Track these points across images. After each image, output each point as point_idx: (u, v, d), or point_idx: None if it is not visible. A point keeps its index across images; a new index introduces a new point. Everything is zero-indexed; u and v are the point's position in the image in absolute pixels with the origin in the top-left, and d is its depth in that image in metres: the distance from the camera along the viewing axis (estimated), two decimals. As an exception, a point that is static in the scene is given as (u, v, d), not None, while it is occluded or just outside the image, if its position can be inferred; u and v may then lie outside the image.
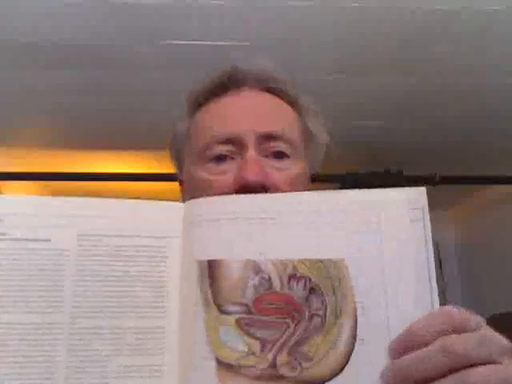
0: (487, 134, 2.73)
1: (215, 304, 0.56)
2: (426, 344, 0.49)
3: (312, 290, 0.55)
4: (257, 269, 0.55)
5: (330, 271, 0.55)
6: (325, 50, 1.84)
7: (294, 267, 0.55)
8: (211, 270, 0.57)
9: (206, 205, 0.60)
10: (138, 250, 0.59)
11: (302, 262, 0.55)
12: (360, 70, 2.15)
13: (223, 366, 0.54)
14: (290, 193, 0.61)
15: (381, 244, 0.56)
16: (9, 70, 1.94)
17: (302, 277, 0.55)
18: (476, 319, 0.46)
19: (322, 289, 0.55)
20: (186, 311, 0.57)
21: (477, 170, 2.73)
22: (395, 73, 2.15)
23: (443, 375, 0.48)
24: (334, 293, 0.55)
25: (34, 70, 1.95)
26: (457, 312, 0.49)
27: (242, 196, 0.60)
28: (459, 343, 0.48)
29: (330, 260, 0.55)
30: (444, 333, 0.49)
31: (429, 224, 0.56)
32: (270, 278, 0.55)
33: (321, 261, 0.55)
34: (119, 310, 0.57)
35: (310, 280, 0.55)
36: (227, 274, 0.56)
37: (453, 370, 0.47)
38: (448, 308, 0.50)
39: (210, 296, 0.56)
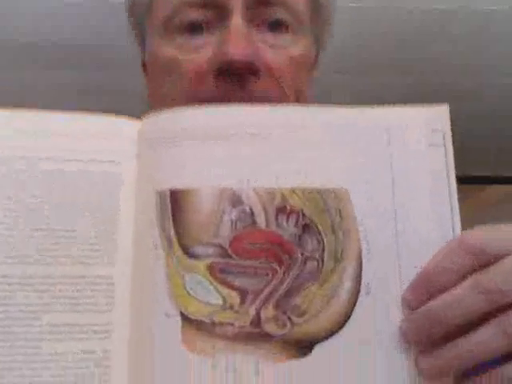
0: (485, 133, 2.71)
1: (180, 245, 0.42)
2: (449, 286, 0.39)
3: (306, 227, 0.42)
4: (235, 200, 0.42)
5: (329, 204, 0.42)
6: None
7: (284, 198, 0.42)
8: (175, 203, 0.42)
9: (168, 119, 0.45)
10: (81, 177, 0.43)
11: (293, 191, 0.42)
12: (357, 70, 2.14)
13: (191, 323, 0.40)
14: (281, 104, 0.46)
15: (391, 172, 0.43)
16: (9, 70, 1.97)
17: (293, 210, 0.42)
18: (499, 243, 0.37)
19: (319, 226, 0.42)
20: (141, 255, 0.43)
21: (476, 170, 2.72)
22: (392, 72, 2.17)
23: (479, 321, 0.38)
24: (333, 231, 0.42)
25: (34, 70, 1.98)
26: (479, 240, 0.38)
27: (217, 107, 0.44)
28: (494, 279, 0.38)
29: (329, 189, 0.42)
30: (469, 268, 0.39)
31: (451, 150, 0.44)
32: (252, 212, 0.41)
33: (318, 190, 0.42)
34: (52, 254, 0.42)
35: (303, 214, 0.41)
36: (196, 207, 0.42)
37: (488, 313, 0.37)
38: (466, 237, 0.39)
39: (173, 235, 0.42)
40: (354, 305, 0.42)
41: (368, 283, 0.42)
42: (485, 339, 0.36)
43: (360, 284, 0.42)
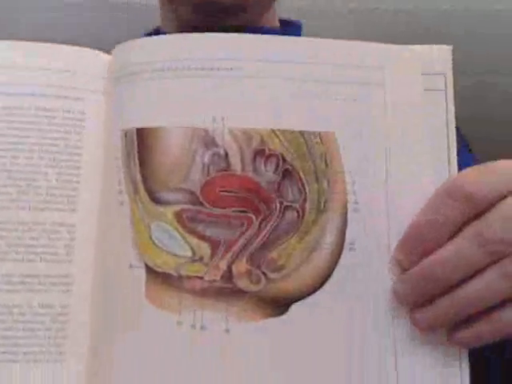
0: (486, 134, 2.65)
1: (146, 190, 0.37)
2: (444, 240, 0.35)
3: (286, 174, 0.37)
4: (208, 141, 0.37)
5: (314, 148, 0.37)
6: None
7: (263, 140, 0.37)
8: (142, 143, 0.37)
9: (137, 52, 0.39)
10: (40, 114, 0.38)
11: (273, 132, 0.37)
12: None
13: (156, 276, 0.36)
14: (261, 35, 0.40)
15: (384, 117, 0.37)
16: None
17: (272, 154, 0.37)
18: (495, 186, 0.34)
19: (301, 172, 0.37)
20: (105, 202, 0.38)
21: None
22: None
23: (480, 271, 0.34)
24: (316, 179, 0.37)
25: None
26: (472, 184, 0.34)
27: (190, 36, 0.39)
28: (494, 227, 0.34)
29: (313, 132, 0.37)
30: (464, 218, 0.35)
31: (451, 97, 0.39)
32: (226, 155, 0.36)
33: (301, 133, 0.37)
34: (8, 198, 0.37)
35: (283, 159, 0.37)
36: (165, 149, 0.37)
37: (491, 263, 0.34)
38: (457, 182, 0.35)
39: (138, 179, 0.37)
40: (337, 261, 0.37)
41: (353, 238, 0.37)
42: (484, 285, 0.33)
43: (344, 239, 0.38)
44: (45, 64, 0.40)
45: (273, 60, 0.39)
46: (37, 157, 0.39)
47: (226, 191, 0.37)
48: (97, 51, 0.41)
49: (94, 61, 0.41)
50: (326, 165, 0.38)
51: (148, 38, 0.40)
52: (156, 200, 0.38)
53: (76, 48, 0.41)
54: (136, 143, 0.38)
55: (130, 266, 0.37)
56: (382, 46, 0.40)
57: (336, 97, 0.39)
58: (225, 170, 0.37)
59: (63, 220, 0.39)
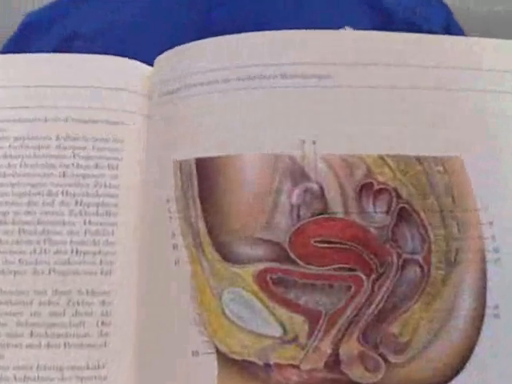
0: None
1: (213, 244, 0.25)
2: None
3: (403, 215, 0.26)
4: (296, 172, 0.25)
5: (436, 179, 0.26)
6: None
7: (369, 170, 0.25)
8: (204, 178, 0.26)
9: (191, 57, 0.28)
10: (64, 145, 0.27)
11: (382, 159, 0.25)
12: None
13: (232, 365, 0.24)
14: (359, 31, 0.29)
15: None
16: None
17: (383, 189, 0.25)
18: None
19: (422, 213, 0.26)
20: (151, 261, 0.26)
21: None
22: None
23: None
24: (442, 220, 0.25)
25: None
26: None
27: (266, 34, 0.28)
28: None
29: (434, 158, 0.26)
30: None
31: None
32: (322, 191, 0.25)
33: (418, 159, 0.25)
34: (18, 260, 0.25)
35: (398, 195, 0.25)
36: (237, 185, 0.25)
37: None
38: None
39: (202, 228, 0.25)
40: (478, 335, 0.25)
41: (496, 300, 0.26)
42: None
43: (485, 302, 0.27)
44: (68, 80, 0.29)
45: (376, 62, 0.28)
46: (59, 202, 0.27)
47: (324, 242, 0.26)
48: (135, 61, 0.29)
49: (132, 74, 0.29)
50: (454, 201, 0.27)
51: (204, 41, 0.29)
52: (228, 257, 0.26)
53: (108, 58, 0.29)
54: (196, 178, 0.27)
55: (194, 354, 0.25)
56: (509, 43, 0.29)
57: (458, 112, 0.28)
58: (321, 213, 0.26)
59: (95, 287, 0.27)
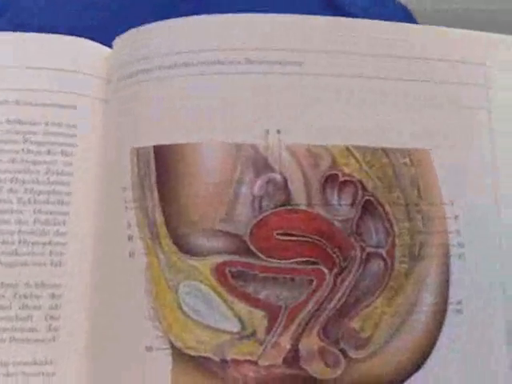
0: None
1: (170, 235, 0.24)
2: None
3: (367, 207, 0.25)
4: (259, 162, 0.24)
5: (402, 172, 0.25)
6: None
7: (334, 161, 0.24)
8: (163, 167, 0.24)
9: (151, 39, 0.26)
10: (15, 129, 0.25)
11: (348, 150, 0.24)
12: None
13: (187, 361, 0.23)
14: (331, 18, 0.28)
15: (489, 126, 0.28)
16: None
17: (348, 181, 0.25)
18: None
19: (387, 206, 0.25)
20: (104, 253, 0.24)
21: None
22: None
23: None
24: (407, 214, 0.25)
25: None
26: None
27: (229, 17, 0.26)
28: None
29: (400, 150, 0.25)
30: None
31: None
32: (285, 182, 0.24)
33: (384, 151, 0.25)
34: None
35: (363, 187, 0.24)
36: (196, 174, 0.24)
37: None
38: None
39: (159, 218, 0.24)
40: (439, 330, 0.25)
41: (459, 296, 0.25)
42: None
43: (447, 298, 0.27)
44: (19, 60, 0.27)
45: (346, 50, 0.27)
46: (7, 190, 0.25)
47: (285, 234, 0.25)
48: (92, 42, 0.28)
49: (89, 55, 0.28)
50: (420, 195, 0.26)
51: (167, 21, 0.27)
52: (185, 249, 0.24)
53: (62, 37, 0.27)
54: (154, 166, 0.25)
55: (148, 349, 0.24)
56: (484, 35, 0.29)
57: (429, 101, 0.27)
58: (284, 205, 0.25)
59: (44, 279, 0.25)
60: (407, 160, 0.27)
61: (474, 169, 0.28)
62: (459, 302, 0.26)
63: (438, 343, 0.26)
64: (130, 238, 0.26)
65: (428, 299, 0.26)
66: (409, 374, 0.25)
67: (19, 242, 0.25)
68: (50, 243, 0.26)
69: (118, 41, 0.29)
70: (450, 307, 0.26)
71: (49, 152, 0.27)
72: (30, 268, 0.25)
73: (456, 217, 0.27)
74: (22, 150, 0.26)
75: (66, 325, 0.25)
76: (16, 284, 0.25)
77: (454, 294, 0.26)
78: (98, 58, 0.28)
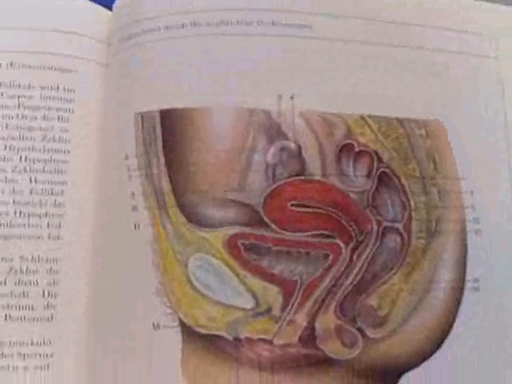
0: None
1: (178, 205, 0.22)
2: None
3: (383, 179, 0.23)
4: (272, 129, 0.22)
5: (418, 144, 0.23)
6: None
7: (349, 131, 0.23)
8: (170, 132, 0.23)
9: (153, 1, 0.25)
10: (9, 93, 0.23)
11: (363, 119, 0.23)
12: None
13: (198, 340, 0.21)
14: None
15: (501, 102, 0.28)
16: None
17: (363, 151, 0.23)
18: None
19: (403, 178, 0.23)
20: (108, 224, 0.22)
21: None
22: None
23: None
24: (424, 188, 0.23)
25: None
26: None
27: None
28: None
29: (416, 121, 0.23)
30: None
31: None
32: (299, 150, 0.22)
33: (400, 121, 0.23)
34: None
35: (379, 158, 0.23)
36: (206, 141, 0.22)
37: None
38: None
39: (166, 187, 0.22)
40: (457, 308, 0.24)
41: (476, 273, 0.24)
42: None
43: (464, 275, 0.26)
44: (13, 21, 0.25)
45: (360, 16, 0.25)
46: (0, 158, 0.23)
47: (300, 206, 0.23)
48: (93, 3, 0.26)
49: (89, 17, 0.26)
50: (435, 168, 0.25)
51: None
52: (195, 220, 0.23)
53: None
54: (160, 132, 0.23)
55: (156, 327, 0.22)
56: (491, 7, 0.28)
57: (444, 76, 0.26)
58: (297, 175, 0.23)
59: (41, 253, 0.23)
60: (423, 131, 0.26)
61: (488, 143, 0.27)
62: (476, 280, 0.25)
63: (456, 322, 0.25)
64: (135, 208, 0.24)
65: (445, 276, 0.25)
66: (428, 354, 0.24)
67: (14, 213, 0.23)
68: (46, 215, 0.24)
69: (119, 2, 0.27)
70: (468, 285, 0.25)
71: (44, 117, 0.25)
72: (26, 241, 0.23)
73: (471, 192, 0.26)
74: (17, 115, 0.24)
75: (64, 302, 0.23)
76: (11, 258, 0.23)
77: (471, 271, 0.25)
78: (99, 21, 0.26)
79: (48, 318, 0.23)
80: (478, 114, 0.27)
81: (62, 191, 0.24)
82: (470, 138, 0.26)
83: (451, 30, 0.27)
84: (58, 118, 0.25)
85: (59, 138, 0.25)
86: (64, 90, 0.25)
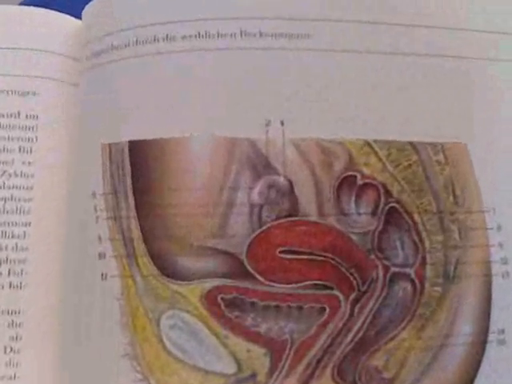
0: None
1: (150, 253, 0.17)
2: None
3: (392, 217, 0.19)
4: (259, 162, 0.17)
5: (435, 172, 0.18)
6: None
7: (352, 160, 0.18)
8: (139, 166, 0.18)
9: (125, 8, 0.20)
10: None
11: (369, 146, 0.18)
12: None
13: None
14: None
15: None
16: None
17: (369, 184, 0.18)
18: None
19: (416, 215, 0.18)
20: (70, 274, 0.18)
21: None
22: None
23: None
24: (441, 225, 0.18)
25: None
26: None
27: None
28: None
29: (433, 145, 0.18)
30: None
31: None
32: (291, 187, 0.17)
33: (413, 146, 0.18)
34: None
35: (387, 192, 0.18)
36: (182, 177, 0.17)
37: None
38: None
39: (135, 232, 0.17)
40: (478, 366, 0.21)
41: (502, 323, 0.20)
42: None
43: (488, 326, 0.21)
44: None
45: (366, 20, 0.20)
46: None
47: (291, 252, 0.19)
48: (59, 13, 0.21)
49: (53, 29, 0.21)
50: (456, 201, 0.20)
51: None
52: (168, 272, 0.19)
53: (19, 8, 0.21)
54: (129, 168, 0.19)
55: None
56: None
57: (467, 78, 0.21)
58: (288, 216, 0.19)
59: (1, 304, 0.19)
60: (441, 157, 0.21)
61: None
62: (502, 331, 0.21)
63: (476, 382, 0.20)
64: (102, 255, 0.20)
65: (465, 329, 0.21)
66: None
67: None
68: (7, 260, 0.20)
69: (88, 10, 0.22)
70: (491, 337, 0.21)
71: (4, 149, 0.21)
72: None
73: (499, 227, 0.21)
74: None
75: (28, 360, 0.20)
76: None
77: (496, 321, 0.21)
78: (66, 33, 0.22)
79: (10, 377, 0.20)
80: (506, 133, 0.22)
81: (25, 233, 0.21)
82: (496, 162, 0.22)
83: (478, 31, 0.22)
84: (20, 148, 0.21)
85: (21, 172, 0.21)
86: (25, 116, 0.21)
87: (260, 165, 0.20)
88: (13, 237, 0.21)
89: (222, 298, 0.20)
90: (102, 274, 0.20)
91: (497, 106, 0.22)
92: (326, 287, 0.20)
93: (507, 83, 0.23)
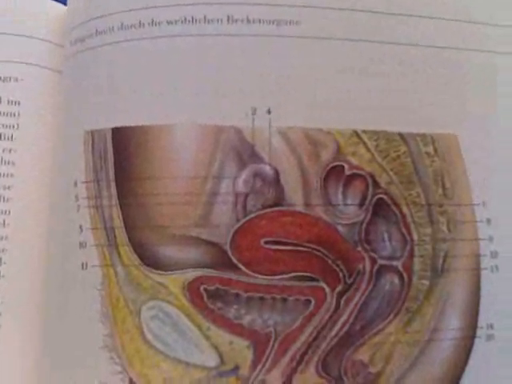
0: None
1: (131, 242, 0.16)
2: None
3: (380, 208, 0.19)
4: (244, 150, 0.16)
5: (424, 164, 0.17)
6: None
7: (340, 150, 0.17)
8: (122, 154, 0.17)
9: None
10: None
11: (357, 136, 0.17)
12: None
13: None
14: None
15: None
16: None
17: (357, 175, 0.17)
18: None
19: (404, 207, 0.17)
20: (50, 262, 0.17)
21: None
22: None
23: None
24: (430, 217, 0.17)
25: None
26: None
27: None
28: None
29: (422, 136, 0.17)
30: None
31: None
32: (277, 176, 0.16)
33: (402, 136, 0.17)
34: None
35: (375, 183, 0.17)
36: (165, 165, 0.16)
37: None
38: None
39: (117, 220, 0.16)
40: (465, 362, 0.20)
41: (490, 318, 0.19)
42: None
43: (476, 320, 0.21)
44: None
45: (355, 8, 0.19)
46: None
47: (276, 243, 0.18)
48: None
49: (37, 14, 0.20)
50: (445, 193, 0.19)
51: None
52: (150, 261, 0.18)
53: None
54: (112, 156, 0.18)
55: None
56: None
57: (460, 70, 0.20)
58: (274, 205, 0.18)
59: None
60: (430, 149, 0.20)
61: (509, 161, 0.21)
62: (490, 326, 0.20)
63: (464, 378, 0.19)
64: (83, 244, 0.19)
65: (453, 323, 0.20)
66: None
67: None
68: None
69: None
70: (480, 332, 0.20)
71: None
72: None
73: (488, 220, 0.20)
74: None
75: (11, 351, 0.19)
76: None
77: (485, 316, 0.20)
78: (50, 19, 0.21)
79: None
80: (497, 126, 0.21)
81: (5, 221, 0.20)
82: (487, 155, 0.21)
83: (468, 21, 0.21)
84: (1, 135, 0.20)
85: (1, 159, 0.20)
86: (7, 102, 0.20)
87: (245, 153, 0.19)
88: (-8, 225, 0.20)
89: (204, 289, 0.19)
90: (83, 264, 0.19)
91: (490, 98, 0.22)
92: (311, 279, 0.19)
93: (502, 76, 0.22)
